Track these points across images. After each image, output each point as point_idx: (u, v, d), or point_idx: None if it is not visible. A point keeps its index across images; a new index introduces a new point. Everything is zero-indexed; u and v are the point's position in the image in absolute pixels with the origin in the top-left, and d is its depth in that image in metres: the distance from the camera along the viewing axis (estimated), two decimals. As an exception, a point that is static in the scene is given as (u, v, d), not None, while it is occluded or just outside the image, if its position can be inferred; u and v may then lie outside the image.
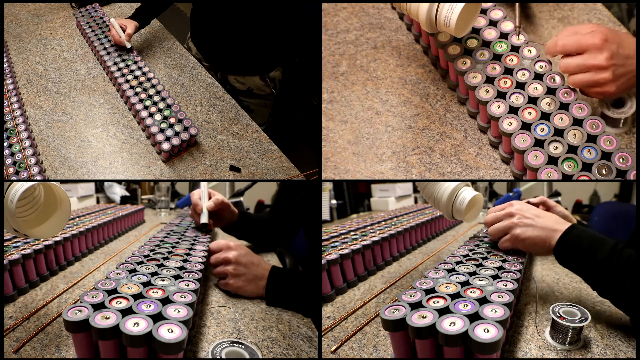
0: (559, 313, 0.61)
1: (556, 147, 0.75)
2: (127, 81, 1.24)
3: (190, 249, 0.91)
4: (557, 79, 0.80)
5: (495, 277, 0.65)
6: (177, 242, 0.95)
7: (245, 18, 1.36)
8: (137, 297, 0.60)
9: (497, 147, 0.85)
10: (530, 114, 0.79)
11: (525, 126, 0.78)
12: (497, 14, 0.89)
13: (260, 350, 0.65)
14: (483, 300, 0.56)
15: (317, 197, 1.17)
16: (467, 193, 0.88)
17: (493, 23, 0.88)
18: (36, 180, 0.86)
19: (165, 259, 0.81)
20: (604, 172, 0.73)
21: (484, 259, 0.76)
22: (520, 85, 0.81)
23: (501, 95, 0.81)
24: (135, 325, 0.52)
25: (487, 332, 0.49)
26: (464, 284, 0.63)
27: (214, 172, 1.10)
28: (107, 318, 0.53)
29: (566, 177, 0.74)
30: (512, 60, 0.84)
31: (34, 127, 1.16)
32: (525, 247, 0.74)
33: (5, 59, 1.36)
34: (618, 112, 0.80)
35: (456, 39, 0.87)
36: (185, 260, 0.80)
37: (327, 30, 1.03)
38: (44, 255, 0.93)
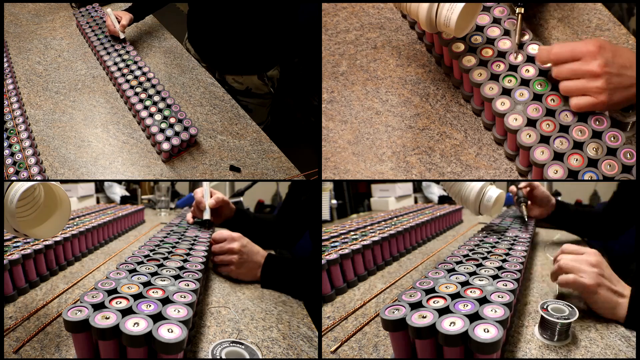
0: (547, 309, 0.62)
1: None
2: (127, 81, 1.24)
3: (190, 249, 0.91)
4: None
5: (495, 277, 0.65)
6: (177, 242, 0.95)
7: (240, 17, 1.36)
8: (137, 297, 0.60)
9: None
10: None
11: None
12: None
13: (260, 350, 0.65)
14: (483, 300, 0.56)
15: (318, 197, 1.18)
16: (493, 192, 1.01)
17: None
18: (36, 180, 0.86)
19: (165, 259, 0.81)
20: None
21: (484, 258, 0.76)
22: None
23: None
24: (135, 325, 0.52)
25: (487, 332, 0.49)
26: (464, 283, 0.63)
27: (214, 172, 1.10)
28: (107, 318, 0.53)
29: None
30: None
31: (34, 127, 1.16)
32: (592, 300, 0.68)
33: (5, 59, 1.36)
34: (627, 116, 0.80)
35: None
36: (185, 260, 0.80)
37: (327, 30, 1.03)
38: (44, 255, 0.92)
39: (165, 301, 0.59)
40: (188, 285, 0.67)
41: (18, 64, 1.37)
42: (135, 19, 1.40)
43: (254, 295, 0.88)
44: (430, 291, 0.60)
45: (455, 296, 0.58)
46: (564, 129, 0.77)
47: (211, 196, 1.19)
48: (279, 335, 0.72)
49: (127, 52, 1.33)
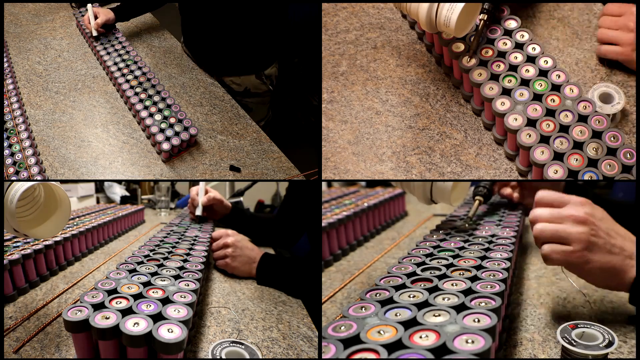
0: (572, 338, 0.48)
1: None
2: (127, 81, 1.24)
3: (190, 249, 0.91)
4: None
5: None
6: (177, 242, 0.95)
7: (230, 18, 1.35)
8: (137, 297, 0.60)
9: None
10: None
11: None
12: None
13: (260, 350, 0.65)
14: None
15: (318, 197, 1.18)
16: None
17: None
18: (36, 180, 0.86)
19: (165, 259, 0.81)
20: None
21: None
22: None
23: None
24: (135, 325, 0.52)
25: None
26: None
27: (214, 172, 1.10)
28: (107, 318, 0.53)
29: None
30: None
31: (34, 127, 1.16)
32: (584, 272, 0.54)
33: (5, 59, 1.36)
34: (607, 108, 0.80)
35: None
36: (185, 260, 0.80)
37: (327, 30, 1.03)
38: (44, 255, 0.93)
39: (165, 301, 0.59)
40: (188, 285, 0.67)
41: (18, 64, 1.37)
42: (118, 19, 1.39)
43: (254, 295, 0.89)
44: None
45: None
46: (564, 129, 0.77)
47: (206, 194, 1.31)
48: (279, 335, 0.72)
49: (127, 52, 1.33)
